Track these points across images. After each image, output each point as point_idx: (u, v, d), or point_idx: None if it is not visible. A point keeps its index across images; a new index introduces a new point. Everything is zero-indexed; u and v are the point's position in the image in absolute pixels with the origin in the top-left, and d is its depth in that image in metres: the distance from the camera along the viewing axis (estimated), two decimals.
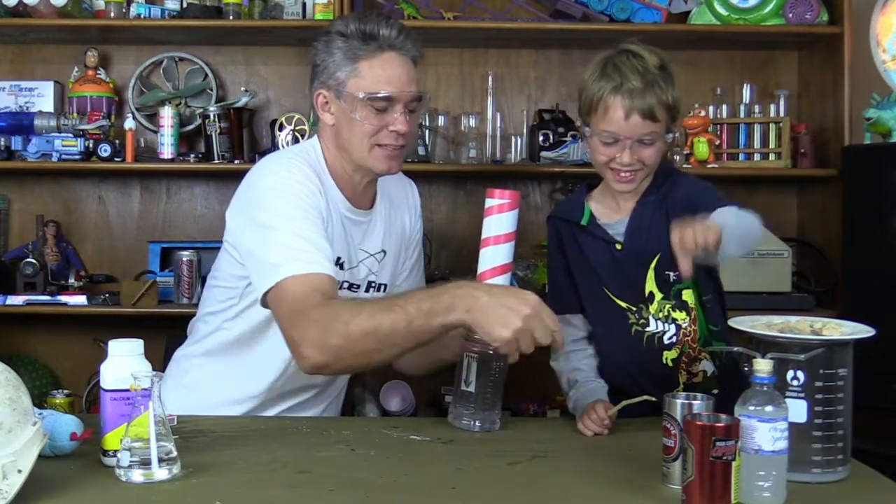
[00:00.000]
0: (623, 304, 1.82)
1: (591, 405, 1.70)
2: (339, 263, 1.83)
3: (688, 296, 1.81)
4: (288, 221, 1.71)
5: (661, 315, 1.81)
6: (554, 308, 1.68)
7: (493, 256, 1.66)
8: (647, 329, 1.81)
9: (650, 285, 1.81)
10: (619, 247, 1.83)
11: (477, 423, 1.66)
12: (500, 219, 1.66)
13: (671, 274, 1.78)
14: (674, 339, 1.81)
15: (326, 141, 1.89)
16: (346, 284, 1.87)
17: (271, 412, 1.90)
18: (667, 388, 1.73)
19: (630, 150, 1.76)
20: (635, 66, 1.75)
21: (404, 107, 1.81)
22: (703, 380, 1.83)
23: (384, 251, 1.95)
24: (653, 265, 1.80)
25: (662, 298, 1.81)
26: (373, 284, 1.94)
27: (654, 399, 1.63)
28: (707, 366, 1.83)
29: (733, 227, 1.58)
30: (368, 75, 1.79)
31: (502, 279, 1.65)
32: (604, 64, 1.79)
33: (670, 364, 1.81)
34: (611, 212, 1.86)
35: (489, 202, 1.66)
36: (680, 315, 1.81)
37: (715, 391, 1.80)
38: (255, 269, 1.74)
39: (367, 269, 1.92)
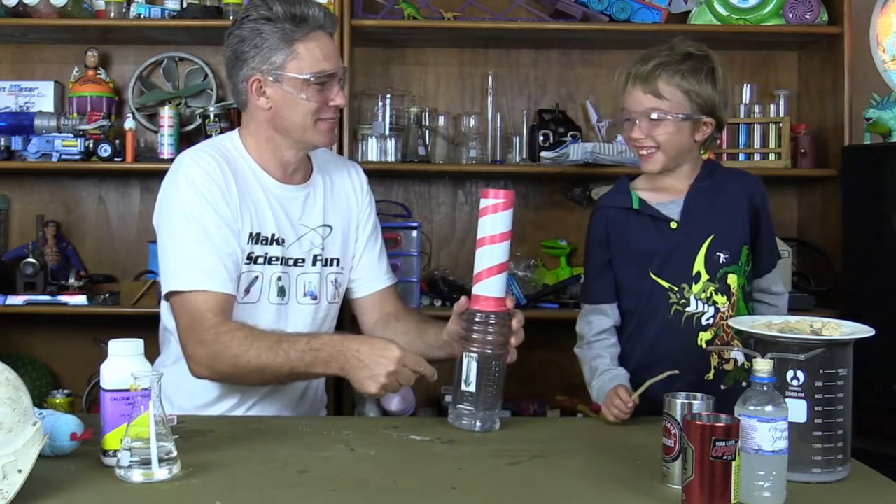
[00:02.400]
0: (666, 285, 1.89)
1: (613, 391, 1.77)
2: (275, 240, 1.92)
3: (732, 280, 1.89)
4: (190, 235, 1.83)
5: (703, 296, 1.88)
6: (589, 298, 1.97)
7: (490, 256, 1.68)
8: (688, 309, 1.88)
9: (699, 265, 1.88)
10: (673, 225, 1.90)
11: (478, 424, 1.66)
12: (495, 218, 1.68)
13: (721, 255, 1.87)
14: (711, 320, 1.88)
15: (253, 128, 1.94)
16: (290, 261, 1.94)
17: (241, 410, 1.92)
18: (699, 370, 1.87)
19: (639, 125, 1.87)
20: (658, 52, 1.88)
21: (339, 81, 1.90)
22: (733, 368, 1.89)
23: (329, 226, 2.01)
24: (706, 244, 1.88)
25: (708, 280, 1.88)
26: (319, 258, 1.99)
27: (676, 372, 1.72)
28: (738, 355, 1.87)
29: None
30: (307, 56, 1.86)
31: (499, 278, 1.68)
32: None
33: (704, 346, 1.88)
34: (660, 195, 1.93)
35: (484, 202, 1.69)
36: (721, 299, 1.88)
37: (745, 383, 1.83)
38: (161, 272, 1.90)
39: (310, 244, 1.97)
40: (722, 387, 1.87)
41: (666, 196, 1.92)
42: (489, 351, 1.65)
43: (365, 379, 1.67)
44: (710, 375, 1.88)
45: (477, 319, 1.67)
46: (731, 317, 1.87)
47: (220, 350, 1.75)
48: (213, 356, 1.76)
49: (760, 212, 1.94)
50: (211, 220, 1.84)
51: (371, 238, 2.10)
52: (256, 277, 1.90)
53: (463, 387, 1.65)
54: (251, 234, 1.89)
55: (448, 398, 2.96)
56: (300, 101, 1.86)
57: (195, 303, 1.80)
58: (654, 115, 1.86)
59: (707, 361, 1.88)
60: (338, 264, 2.02)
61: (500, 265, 1.68)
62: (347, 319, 2.80)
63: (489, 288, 1.68)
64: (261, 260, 1.90)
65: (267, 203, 1.93)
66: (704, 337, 1.88)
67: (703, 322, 1.87)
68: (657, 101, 1.86)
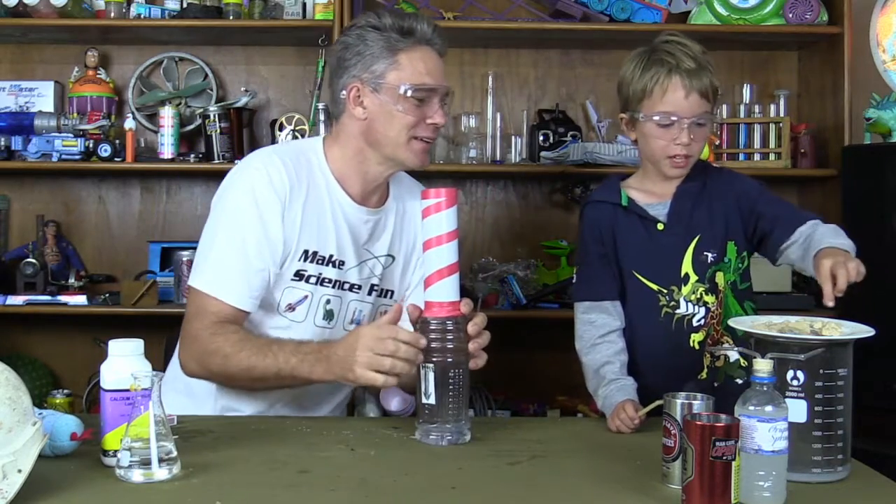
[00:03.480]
0: (654, 287, 1.85)
1: (620, 405, 1.70)
2: (332, 261, 1.85)
3: (719, 278, 1.85)
4: (229, 241, 1.80)
5: (693, 297, 1.84)
6: (588, 294, 1.87)
7: (439, 258, 1.58)
8: (678, 312, 1.84)
9: (687, 266, 1.84)
10: (660, 226, 1.86)
11: (446, 438, 1.57)
12: (439, 218, 1.59)
13: (708, 254, 1.84)
14: (702, 321, 1.84)
15: (343, 139, 1.87)
16: (346, 285, 1.87)
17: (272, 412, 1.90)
18: (693, 371, 1.84)
19: (688, 129, 1.80)
20: (684, 51, 1.81)
21: (440, 100, 1.82)
22: (723, 364, 1.86)
23: (392, 256, 1.94)
24: (692, 246, 1.84)
25: (697, 280, 1.84)
26: (376, 288, 1.92)
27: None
28: (727, 349, 1.84)
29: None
30: (409, 68, 1.79)
31: (450, 281, 1.58)
32: (650, 53, 1.84)
33: (697, 347, 1.84)
34: (649, 196, 1.89)
35: (425, 203, 1.60)
36: (710, 298, 1.85)
37: (739, 380, 1.85)
38: (194, 261, 1.87)
39: (369, 271, 1.90)
40: (715, 384, 1.85)
41: (654, 198, 1.89)
42: (448, 359, 1.56)
43: (347, 369, 1.61)
44: (704, 374, 1.86)
45: (431, 328, 1.57)
46: (720, 314, 1.85)
47: (212, 349, 1.74)
48: (204, 353, 1.76)
49: (753, 199, 1.86)
50: (253, 235, 1.78)
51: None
52: (305, 297, 1.84)
53: (423, 400, 1.57)
54: (307, 251, 1.83)
55: None
56: (397, 113, 1.78)
57: (205, 303, 1.78)
58: (701, 121, 1.81)
59: (700, 361, 1.86)
60: (392, 296, 1.95)
61: (450, 266, 1.58)
62: None
63: (440, 292, 1.58)
64: (313, 279, 1.84)
65: (332, 222, 1.85)
66: (696, 338, 1.85)
67: (695, 323, 1.84)
68: (707, 104, 1.81)
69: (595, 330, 1.85)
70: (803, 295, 2.93)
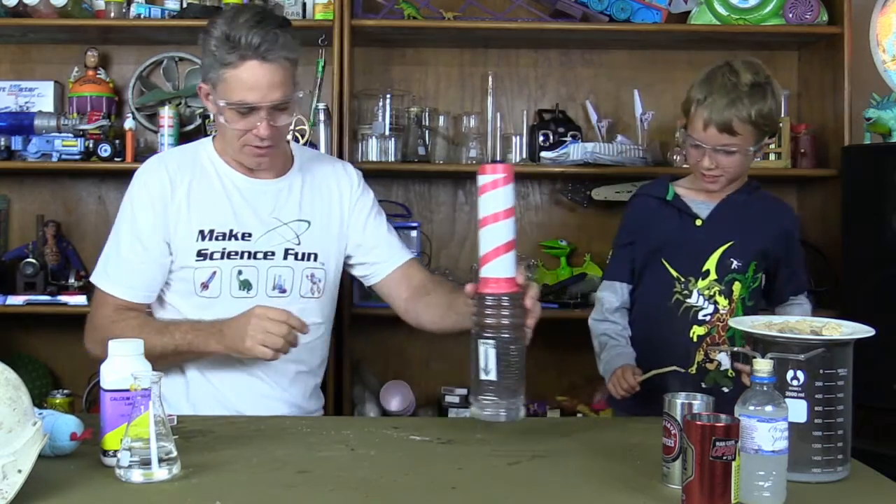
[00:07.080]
0: (675, 274, 1.99)
1: (621, 369, 1.92)
2: (234, 235, 1.95)
3: (736, 287, 1.98)
4: (112, 242, 1.98)
5: (706, 293, 1.97)
6: (606, 275, 2.12)
7: (496, 235, 1.56)
8: (688, 301, 1.98)
9: (710, 263, 1.98)
10: (699, 222, 2.02)
11: (502, 413, 1.53)
12: (496, 194, 1.57)
13: (734, 261, 1.97)
14: (708, 317, 1.97)
15: (218, 127, 2.02)
16: (259, 254, 1.96)
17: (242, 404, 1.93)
18: (682, 360, 1.95)
19: (709, 156, 1.95)
20: (725, 83, 1.92)
21: (268, 112, 1.86)
22: (714, 369, 1.96)
23: (307, 221, 2.02)
24: (723, 248, 1.99)
25: (715, 279, 1.97)
26: (291, 252, 1.99)
27: (681, 371, 1.87)
28: (723, 359, 1.95)
29: None
30: (232, 83, 1.85)
31: (507, 257, 1.55)
32: (705, 76, 1.97)
33: (695, 339, 1.97)
34: (696, 195, 2.06)
35: (482, 178, 1.57)
36: (722, 300, 1.97)
37: (726, 389, 1.95)
38: None
39: (281, 237, 1.98)
40: (703, 384, 1.95)
41: (702, 197, 2.03)
42: (506, 335, 1.53)
43: (239, 344, 1.76)
44: (693, 370, 1.96)
45: (489, 303, 1.53)
46: (727, 321, 1.94)
47: (114, 335, 1.72)
48: (107, 340, 1.72)
49: (788, 240, 2.04)
50: (126, 234, 1.94)
51: (372, 221, 2.09)
52: (214, 272, 1.93)
53: (482, 376, 1.53)
54: (202, 231, 1.93)
55: (448, 398, 2.98)
56: (225, 122, 1.90)
57: (103, 296, 1.95)
58: (726, 150, 1.94)
59: (692, 356, 1.96)
60: (315, 259, 2.01)
61: (507, 244, 1.55)
62: (348, 320, 2.81)
63: (498, 269, 1.54)
64: (217, 255, 1.93)
65: (226, 199, 1.96)
66: (697, 331, 1.97)
67: (700, 317, 1.96)
68: (731, 138, 1.93)
69: (601, 304, 2.08)
70: None
